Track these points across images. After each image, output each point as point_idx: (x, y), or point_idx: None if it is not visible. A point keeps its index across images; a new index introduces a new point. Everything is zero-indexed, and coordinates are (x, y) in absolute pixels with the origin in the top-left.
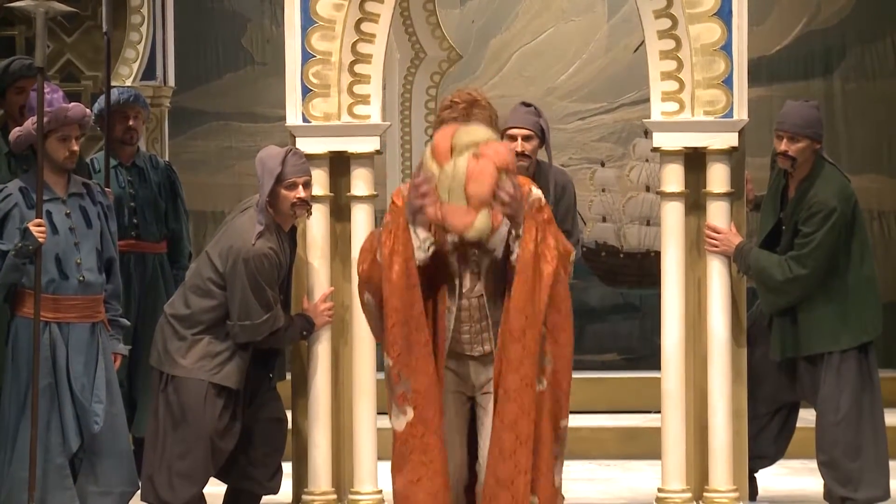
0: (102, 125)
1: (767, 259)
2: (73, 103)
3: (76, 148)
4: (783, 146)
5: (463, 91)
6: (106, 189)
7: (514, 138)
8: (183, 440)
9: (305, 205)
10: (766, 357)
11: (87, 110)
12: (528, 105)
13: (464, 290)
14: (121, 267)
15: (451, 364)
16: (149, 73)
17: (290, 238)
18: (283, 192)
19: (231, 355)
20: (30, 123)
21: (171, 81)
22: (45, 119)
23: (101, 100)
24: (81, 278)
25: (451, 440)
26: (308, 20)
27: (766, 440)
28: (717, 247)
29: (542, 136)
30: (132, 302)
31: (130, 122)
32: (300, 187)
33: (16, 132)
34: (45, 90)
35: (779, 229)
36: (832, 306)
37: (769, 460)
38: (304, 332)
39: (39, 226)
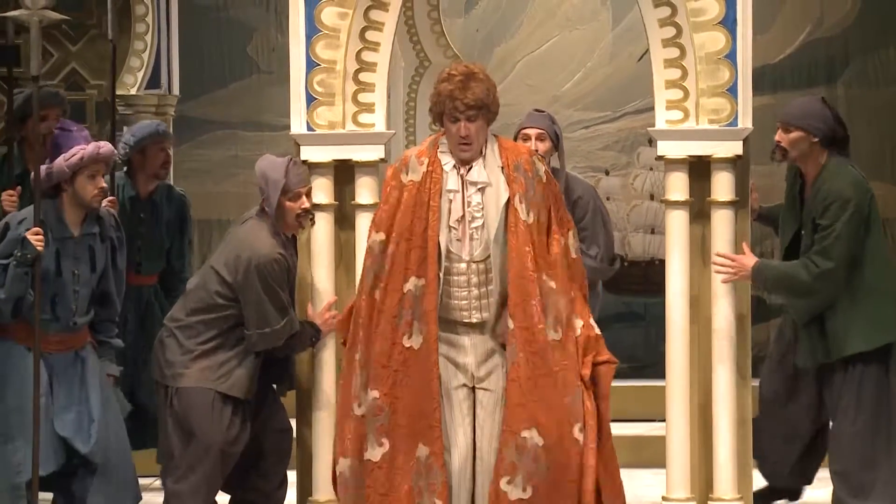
0: (138, 159)
1: (788, 265)
2: (102, 142)
3: (104, 184)
4: (777, 136)
5: (460, 64)
6: (110, 200)
7: (527, 138)
8: (195, 453)
9: (309, 214)
10: (805, 410)
11: (114, 149)
12: (542, 111)
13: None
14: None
15: (443, 347)
16: (153, 81)
17: (292, 245)
18: (288, 203)
19: (238, 364)
20: (62, 160)
21: (176, 90)
22: (78, 158)
23: (136, 130)
24: (73, 324)
25: (455, 441)
26: (313, 29)
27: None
28: (735, 274)
29: (554, 140)
30: (127, 334)
31: (168, 154)
32: (304, 197)
33: (43, 170)
34: (73, 128)
35: (799, 236)
36: (858, 306)
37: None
38: (313, 339)
39: (37, 234)
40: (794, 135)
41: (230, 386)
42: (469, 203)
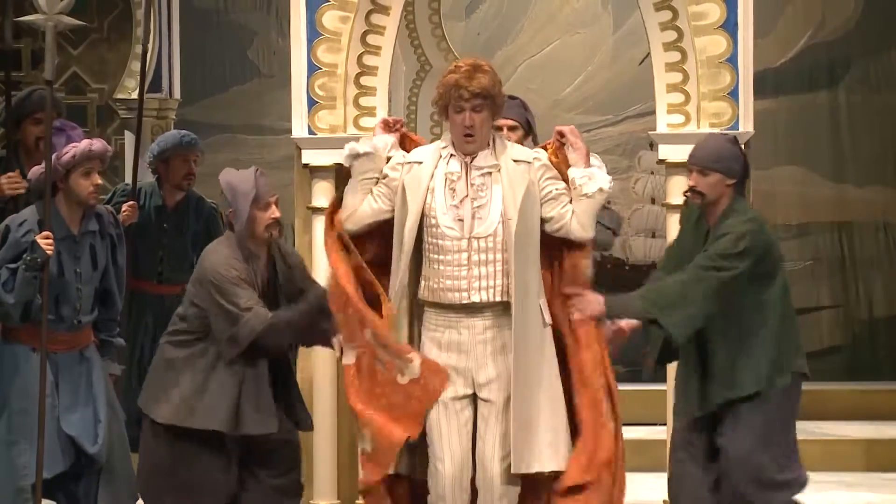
0: (162, 169)
1: (675, 277)
2: (95, 139)
3: (100, 181)
4: (692, 181)
5: (468, 57)
6: (130, 204)
7: (499, 128)
8: (188, 492)
9: (278, 224)
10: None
11: (109, 146)
12: (514, 98)
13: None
14: (138, 306)
15: (442, 356)
16: (155, 85)
17: (270, 262)
18: (259, 213)
19: (219, 397)
20: (55, 159)
21: (177, 94)
22: (70, 155)
23: (161, 140)
24: (77, 322)
25: (450, 450)
26: (314, 32)
27: None
28: (583, 310)
29: (527, 129)
30: (146, 340)
31: (191, 167)
32: (273, 206)
33: (36, 170)
34: (66, 128)
35: None
36: (759, 347)
37: None
38: (326, 331)
39: (47, 238)
40: (712, 178)
41: (219, 421)
42: (472, 185)
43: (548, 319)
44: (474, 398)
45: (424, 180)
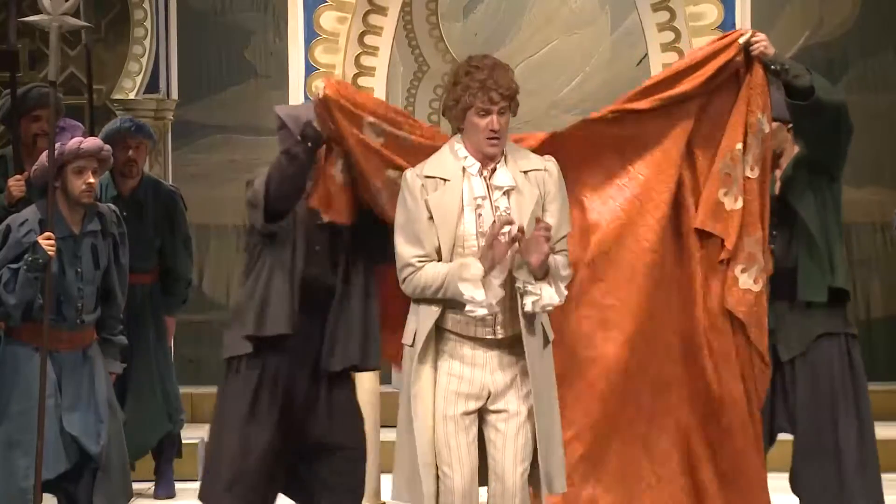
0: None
1: None
2: (89, 138)
3: (93, 181)
4: None
5: (478, 56)
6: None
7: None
8: (215, 435)
9: None
10: None
11: (105, 144)
12: None
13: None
14: None
15: (454, 367)
16: (152, 86)
17: None
18: None
19: (258, 302)
20: (45, 157)
21: (175, 94)
22: (58, 153)
23: (105, 128)
24: (80, 322)
25: (459, 463)
26: (311, 33)
27: None
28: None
29: None
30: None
31: (130, 153)
32: None
33: (34, 168)
34: (68, 127)
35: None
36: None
37: None
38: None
39: (49, 239)
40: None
41: (283, 325)
42: (497, 209)
43: (550, 336)
44: (479, 414)
45: (454, 206)
